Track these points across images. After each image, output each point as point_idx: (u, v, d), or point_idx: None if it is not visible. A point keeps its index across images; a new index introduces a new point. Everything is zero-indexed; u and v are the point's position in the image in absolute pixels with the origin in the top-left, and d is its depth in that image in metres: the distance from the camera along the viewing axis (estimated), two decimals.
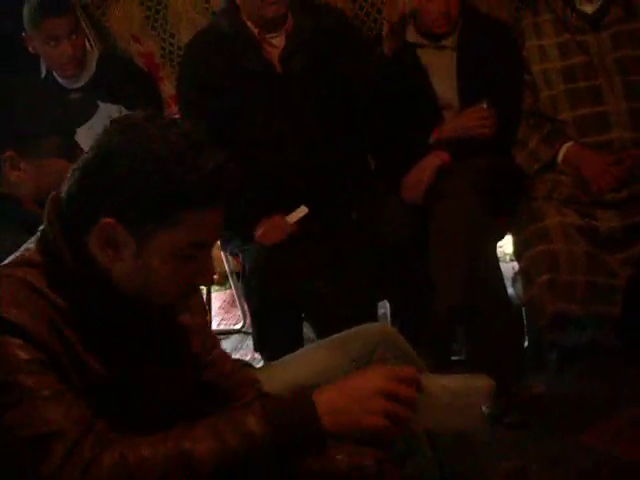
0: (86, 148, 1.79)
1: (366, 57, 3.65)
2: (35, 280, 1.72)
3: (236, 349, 4.19)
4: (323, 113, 3.50)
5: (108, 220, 1.69)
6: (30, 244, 1.82)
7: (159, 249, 1.71)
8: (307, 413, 1.67)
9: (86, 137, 3.64)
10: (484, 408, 1.90)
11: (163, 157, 1.66)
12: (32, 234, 1.86)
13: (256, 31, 3.45)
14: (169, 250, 1.71)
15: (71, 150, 2.55)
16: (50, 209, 1.79)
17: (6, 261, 1.82)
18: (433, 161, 3.53)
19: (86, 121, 2.93)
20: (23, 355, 1.63)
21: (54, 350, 1.67)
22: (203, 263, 1.78)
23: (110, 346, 1.76)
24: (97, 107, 3.46)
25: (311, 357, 2.34)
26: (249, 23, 3.47)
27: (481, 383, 1.85)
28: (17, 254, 1.82)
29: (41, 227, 1.82)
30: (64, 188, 1.77)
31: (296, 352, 2.44)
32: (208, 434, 1.65)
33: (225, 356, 2.14)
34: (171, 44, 4.26)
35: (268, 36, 3.46)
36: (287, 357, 2.44)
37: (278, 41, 3.47)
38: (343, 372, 2.24)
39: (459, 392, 1.81)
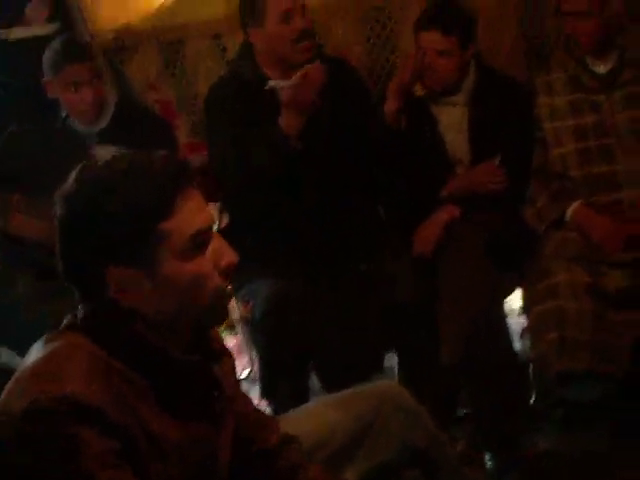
0: None
1: (373, 113, 3.66)
2: (91, 347, 1.69)
3: None
4: (336, 164, 3.51)
5: (110, 269, 1.69)
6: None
7: (167, 262, 1.70)
8: None
9: None
10: None
11: (117, 193, 1.67)
12: (41, 279, 1.84)
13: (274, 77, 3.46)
14: (177, 256, 1.71)
15: None
16: None
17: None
18: (442, 216, 3.58)
19: None
20: (99, 445, 1.57)
21: (131, 432, 1.64)
22: (217, 246, 1.77)
23: (169, 407, 1.75)
24: None
25: (316, 414, 2.35)
26: (265, 69, 3.50)
27: None
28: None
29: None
30: None
31: (301, 407, 2.45)
32: None
33: (245, 395, 2.19)
34: (188, 93, 4.31)
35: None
36: (292, 412, 2.44)
37: None
38: (347, 430, 2.27)
39: None
